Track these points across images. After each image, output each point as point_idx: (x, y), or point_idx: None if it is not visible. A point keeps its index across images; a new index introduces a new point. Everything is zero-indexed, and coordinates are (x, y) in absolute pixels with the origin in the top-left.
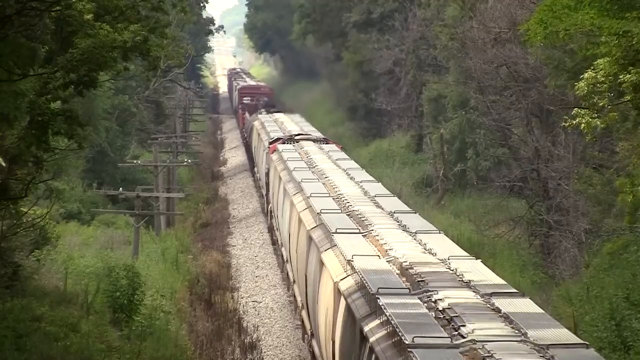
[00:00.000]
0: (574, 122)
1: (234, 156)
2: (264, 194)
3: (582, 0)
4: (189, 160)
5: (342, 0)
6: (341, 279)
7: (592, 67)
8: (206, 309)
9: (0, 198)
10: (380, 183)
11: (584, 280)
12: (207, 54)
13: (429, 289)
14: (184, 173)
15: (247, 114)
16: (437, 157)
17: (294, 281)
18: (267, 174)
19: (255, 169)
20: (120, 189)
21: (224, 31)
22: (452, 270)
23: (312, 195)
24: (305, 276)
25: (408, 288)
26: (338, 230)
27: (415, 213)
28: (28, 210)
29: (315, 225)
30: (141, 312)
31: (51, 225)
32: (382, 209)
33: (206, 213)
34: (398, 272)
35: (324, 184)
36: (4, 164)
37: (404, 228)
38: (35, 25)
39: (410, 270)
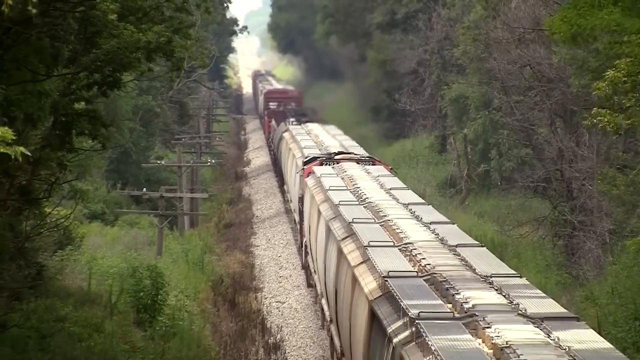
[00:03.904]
0: (595, 120)
1: (257, 157)
2: (296, 221)
3: None
4: (213, 161)
5: (365, 0)
6: None
7: (614, 67)
8: (230, 309)
9: (24, 199)
10: (455, 225)
11: (608, 280)
12: (231, 55)
13: None
14: (207, 173)
15: (273, 122)
16: (460, 157)
17: (343, 353)
18: (301, 200)
19: (285, 187)
20: (144, 189)
21: (248, 32)
22: None
23: (370, 244)
24: None
25: None
26: (423, 315)
27: (521, 277)
28: (52, 210)
29: (380, 294)
30: (165, 312)
31: (75, 225)
32: (474, 270)
33: (229, 213)
34: None
35: (382, 225)
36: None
37: (520, 311)
38: (58, 26)
39: None
